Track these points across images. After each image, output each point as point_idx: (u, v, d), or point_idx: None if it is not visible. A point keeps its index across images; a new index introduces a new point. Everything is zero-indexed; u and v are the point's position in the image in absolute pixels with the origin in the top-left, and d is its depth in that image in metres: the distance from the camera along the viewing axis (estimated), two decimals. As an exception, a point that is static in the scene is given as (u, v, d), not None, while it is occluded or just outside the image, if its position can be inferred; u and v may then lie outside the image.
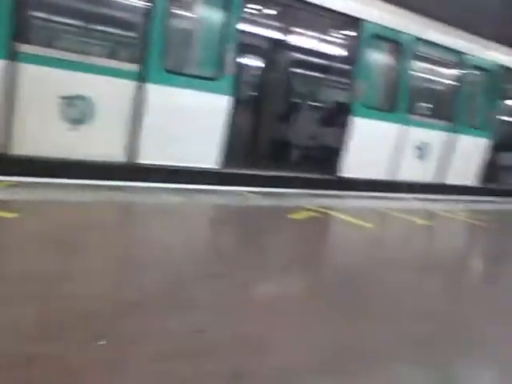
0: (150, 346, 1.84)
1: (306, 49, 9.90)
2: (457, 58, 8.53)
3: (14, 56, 4.72)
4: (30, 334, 1.79)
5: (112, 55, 7.64)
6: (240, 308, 2.38)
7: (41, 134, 5.01)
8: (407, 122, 7.85)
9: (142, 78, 5.43)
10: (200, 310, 2.25)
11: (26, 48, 4.83)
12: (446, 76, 9.25)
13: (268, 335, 2.10)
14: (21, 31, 4.84)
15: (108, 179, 4.95)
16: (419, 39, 7.81)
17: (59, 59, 5.01)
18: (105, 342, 1.80)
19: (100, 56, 6.65)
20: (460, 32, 8.57)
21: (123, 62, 5.68)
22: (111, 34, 7.79)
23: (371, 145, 7.50)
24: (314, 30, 9.30)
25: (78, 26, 7.90)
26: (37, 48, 4.97)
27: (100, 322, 1.97)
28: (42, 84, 4.95)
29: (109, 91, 5.32)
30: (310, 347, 2.06)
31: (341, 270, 3.32)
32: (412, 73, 7.97)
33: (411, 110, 8.04)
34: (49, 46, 5.80)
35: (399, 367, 2.03)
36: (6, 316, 1.90)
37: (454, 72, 8.79)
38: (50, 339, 1.78)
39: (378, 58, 7.74)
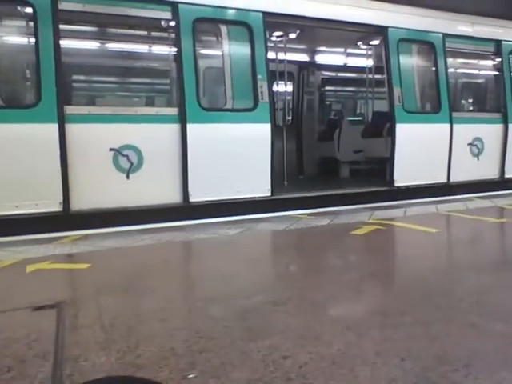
0: (242, 374, 1.78)
1: (337, 66, 9.91)
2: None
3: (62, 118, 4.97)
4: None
5: (152, 103, 7.95)
6: (316, 330, 2.25)
7: (96, 187, 5.19)
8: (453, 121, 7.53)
9: (182, 120, 5.54)
10: (278, 336, 2.15)
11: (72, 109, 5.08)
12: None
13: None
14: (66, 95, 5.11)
15: (165, 221, 5.00)
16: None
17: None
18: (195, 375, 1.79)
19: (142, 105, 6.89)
20: None
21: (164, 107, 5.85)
22: (150, 84, 8.13)
23: (420, 150, 7.23)
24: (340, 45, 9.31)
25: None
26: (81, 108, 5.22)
27: (184, 357, 1.94)
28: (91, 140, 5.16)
29: (154, 136, 5.47)
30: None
31: (420, 280, 3.11)
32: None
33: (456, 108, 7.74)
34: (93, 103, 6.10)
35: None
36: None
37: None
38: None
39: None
